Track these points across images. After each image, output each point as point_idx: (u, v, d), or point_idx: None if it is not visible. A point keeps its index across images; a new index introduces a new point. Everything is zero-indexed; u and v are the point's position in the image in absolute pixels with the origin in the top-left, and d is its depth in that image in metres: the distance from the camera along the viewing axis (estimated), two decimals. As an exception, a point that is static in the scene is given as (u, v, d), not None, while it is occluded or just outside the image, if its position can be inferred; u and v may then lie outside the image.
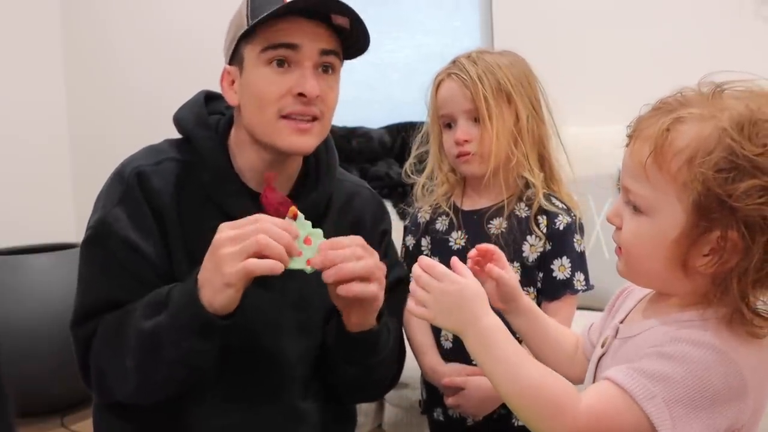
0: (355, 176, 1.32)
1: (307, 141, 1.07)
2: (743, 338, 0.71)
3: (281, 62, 1.04)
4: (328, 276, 0.96)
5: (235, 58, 1.09)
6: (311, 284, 1.04)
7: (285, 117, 1.05)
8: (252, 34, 1.05)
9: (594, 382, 0.83)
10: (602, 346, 0.84)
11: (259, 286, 0.98)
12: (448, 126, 1.27)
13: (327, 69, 1.08)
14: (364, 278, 0.97)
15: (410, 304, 0.82)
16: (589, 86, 2.39)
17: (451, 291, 0.79)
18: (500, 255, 0.98)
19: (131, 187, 1.07)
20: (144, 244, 1.06)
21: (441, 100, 1.27)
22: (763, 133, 0.68)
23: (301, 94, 1.04)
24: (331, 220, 1.17)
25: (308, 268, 0.96)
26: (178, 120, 1.15)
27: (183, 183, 1.10)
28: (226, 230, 0.94)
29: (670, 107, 0.74)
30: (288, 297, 1.12)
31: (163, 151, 1.13)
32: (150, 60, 3.06)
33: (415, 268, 0.82)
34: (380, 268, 1.00)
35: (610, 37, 2.40)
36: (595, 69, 2.39)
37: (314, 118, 1.06)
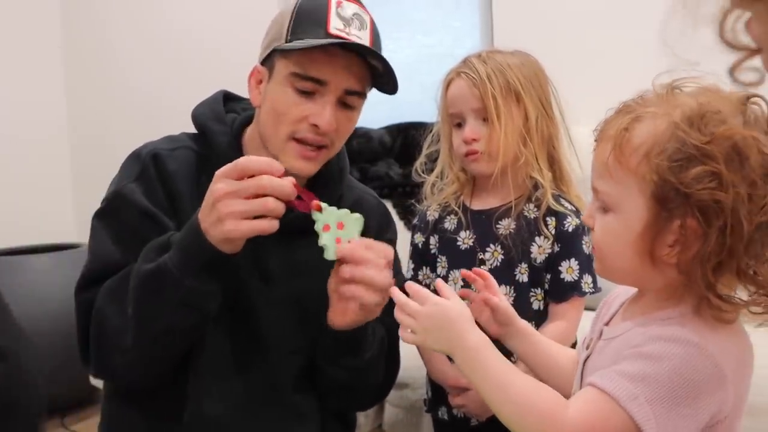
0: (363, 184, 1.33)
1: (309, 167, 1.09)
2: (716, 327, 0.74)
3: (306, 92, 1.06)
4: (344, 271, 0.96)
5: (267, 61, 1.10)
6: (314, 279, 1.04)
7: (295, 140, 1.07)
8: (287, 51, 1.06)
9: (581, 384, 0.85)
10: (587, 348, 0.86)
11: (260, 279, 0.98)
12: (458, 125, 1.28)
13: (347, 106, 1.09)
14: (374, 289, 0.97)
15: (400, 331, 0.84)
16: (594, 86, 2.40)
17: (435, 313, 0.81)
18: (492, 282, 1.00)
19: (147, 167, 1.10)
20: (160, 214, 1.07)
21: (450, 99, 1.28)
22: (711, 124, 0.71)
23: (315, 125, 1.06)
24: None
25: (331, 254, 0.96)
26: (195, 115, 1.17)
27: (197, 172, 1.12)
28: (222, 181, 0.93)
29: (630, 108, 0.78)
30: (289, 291, 1.12)
31: (180, 140, 1.16)
32: (150, 60, 3.06)
33: (399, 295, 0.84)
34: (391, 287, 1.00)
35: (611, 36, 2.40)
36: (596, 69, 2.39)
37: (323, 146, 1.09)
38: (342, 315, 1.04)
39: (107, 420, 1.16)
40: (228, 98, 1.23)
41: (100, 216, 1.11)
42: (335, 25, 1.04)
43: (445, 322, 0.80)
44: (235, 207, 0.91)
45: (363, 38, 1.06)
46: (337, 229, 0.97)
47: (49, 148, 3.11)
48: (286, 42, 1.05)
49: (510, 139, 1.22)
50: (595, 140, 0.81)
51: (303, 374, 1.15)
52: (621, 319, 0.84)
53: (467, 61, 1.28)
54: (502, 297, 0.99)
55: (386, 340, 1.18)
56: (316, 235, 0.97)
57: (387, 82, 1.10)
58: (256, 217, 0.92)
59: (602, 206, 0.79)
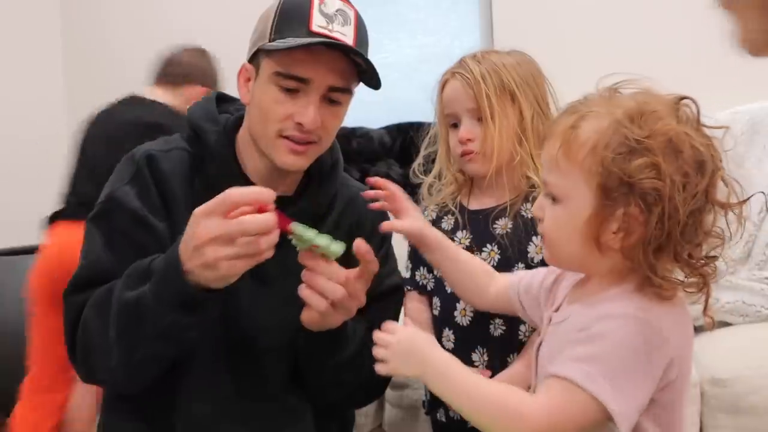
0: (360, 183, 1.31)
1: (301, 161, 1.10)
2: (657, 302, 0.81)
3: (290, 90, 1.07)
4: (303, 274, 0.99)
5: (254, 59, 1.11)
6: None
7: (284, 137, 1.08)
8: (271, 51, 1.06)
9: (536, 371, 0.92)
10: (539, 335, 0.93)
11: (254, 279, 0.99)
12: (454, 125, 1.28)
13: (333, 102, 1.10)
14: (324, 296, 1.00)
15: (376, 365, 0.88)
16: (593, 85, 2.40)
17: (402, 339, 0.86)
18: (399, 197, 1.11)
19: (141, 168, 1.10)
20: (152, 218, 1.08)
21: (446, 99, 1.28)
22: (650, 121, 0.79)
23: (300, 123, 1.06)
24: (332, 221, 1.19)
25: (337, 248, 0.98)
26: (189, 117, 1.18)
27: (191, 172, 1.12)
28: (203, 222, 0.90)
29: (576, 108, 0.85)
30: (282, 290, 1.11)
31: (174, 141, 1.17)
32: (150, 60, 3.06)
33: (376, 333, 0.90)
34: (355, 299, 1.02)
35: (611, 36, 2.40)
36: (596, 68, 2.39)
37: (311, 142, 1.09)
38: (308, 317, 1.04)
39: (103, 420, 1.16)
40: (222, 100, 1.24)
41: (93, 219, 1.11)
42: (318, 23, 1.05)
43: (411, 345, 0.86)
44: (226, 252, 0.89)
45: (347, 34, 1.07)
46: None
47: (49, 148, 3.11)
48: (270, 41, 1.06)
49: (505, 138, 1.22)
50: (543, 138, 0.89)
51: (295, 373, 1.15)
52: (567, 303, 0.91)
53: (462, 61, 1.28)
54: (409, 218, 1.09)
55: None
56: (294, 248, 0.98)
57: (371, 77, 1.10)
58: None
59: (551, 198, 0.86)
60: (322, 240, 0.97)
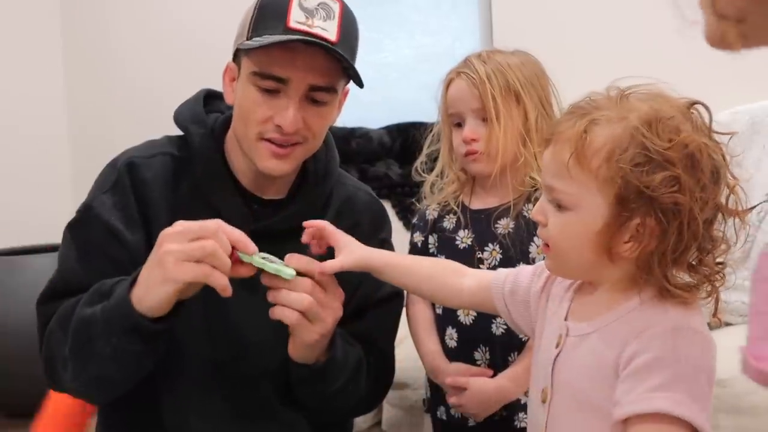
0: (358, 180, 1.29)
1: (283, 166, 1.06)
2: (689, 309, 0.79)
3: (269, 90, 1.02)
4: (270, 296, 0.96)
5: (236, 58, 1.07)
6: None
7: (265, 139, 1.04)
8: (248, 50, 1.02)
9: (551, 380, 0.85)
10: (556, 347, 0.87)
11: (244, 288, 0.96)
12: (458, 125, 1.28)
13: (317, 102, 1.04)
14: (301, 312, 0.96)
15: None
16: (595, 86, 2.40)
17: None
18: (331, 232, 1.01)
19: (121, 176, 1.08)
20: (126, 232, 1.06)
21: (450, 99, 1.28)
22: (668, 130, 0.76)
23: (280, 126, 1.02)
24: (328, 221, 1.16)
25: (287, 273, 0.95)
26: (176, 117, 1.14)
27: (175, 177, 1.10)
28: (177, 225, 0.91)
29: (584, 111, 0.81)
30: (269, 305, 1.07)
31: (160, 146, 1.14)
32: (151, 58, 3.06)
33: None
34: (327, 308, 0.98)
35: (611, 36, 2.40)
36: (596, 69, 2.39)
37: (296, 143, 1.05)
38: (293, 348, 1.02)
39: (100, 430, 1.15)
40: (212, 96, 1.19)
41: (71, 228, 1.10)
42: (296, 18, 0.99)
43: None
44: (177, 247, 0.89)
45: (328, 29, 1.00)
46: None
47: (49, 148, 3.11)
48: (248, 39, 1.02)
49: (509, 139, 1.22)
50: (546, 140, 0.85)
51: (290, 388, 1.12)
52: (582, 314, 0.86)
53: (468, 61, 1.28)
54: (347, 247, 1.00)
55: (371, 364, 1.15)
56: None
57: (354, 75, 1.04)
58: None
59: (557, 204, 0.82)
60: (272, 266, 0.94)
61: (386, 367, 1.22)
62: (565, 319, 0.88)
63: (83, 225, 1.08)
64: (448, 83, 1.29)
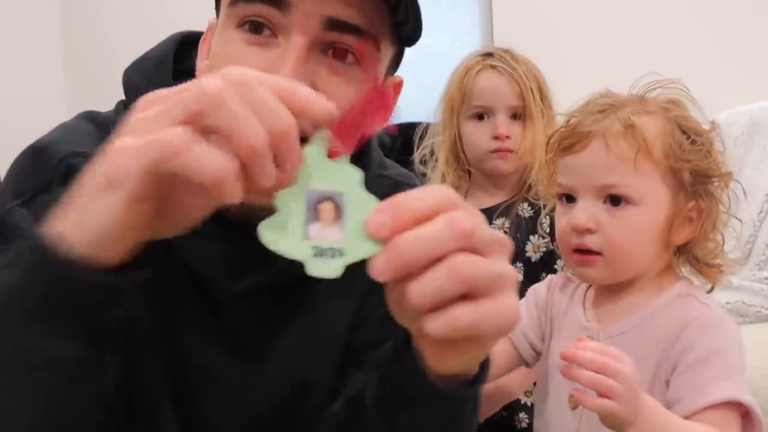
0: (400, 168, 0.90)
1: None
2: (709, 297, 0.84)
3: (257, 26, 0.61)
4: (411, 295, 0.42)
5: (217, 7, 0.72)
6: (312, 346, 0.69)
7: None
8: None
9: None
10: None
11: (232, 354, 0.63)
12: (480, 117, 1.24)
13: (339, 52, 0.61)
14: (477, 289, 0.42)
15: (596, 400, 0.69)
16: (594, 86, 2.40)
17: (631, 371, 0.69)
18: None
19: (56, 184, 0.66)
20: None
21: (480, 90, 1.23)
22: (691, 120, 0.83)
23: None
24: None
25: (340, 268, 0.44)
26: (126, 85, 0.80)
27: None
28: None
29: (614, 107, 0.82)
30: (281, 369, 0.69)
31: (103, 136, 0.72)
32: (150, 60, 3.06)
33: (586, 353, 0.69)
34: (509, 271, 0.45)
35: (611, 36, 2.40)
36: (596, 69, 2.39)
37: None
38: (440, 356, 0.49)
39: None
40: (188, 43, 0.81)
41: None
42: None
43: (634, 383, 0.69)
44: (157, 109, 0.43)
45: None
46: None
47: (49, 148, 3.11)
48: None
49: (540, 140, 1.21)
50: (566, 142, 0.83)
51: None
52: (613, 313, 0.85)
53: (496, 55, 1.24)
54: None
55: None
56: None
57: (405, 20, 0.64)
58: None
59: (621, 201, 0.81)
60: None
61: None
62: (587, 321, 0.87)
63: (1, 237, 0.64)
64: (469, 73, 1.23)
